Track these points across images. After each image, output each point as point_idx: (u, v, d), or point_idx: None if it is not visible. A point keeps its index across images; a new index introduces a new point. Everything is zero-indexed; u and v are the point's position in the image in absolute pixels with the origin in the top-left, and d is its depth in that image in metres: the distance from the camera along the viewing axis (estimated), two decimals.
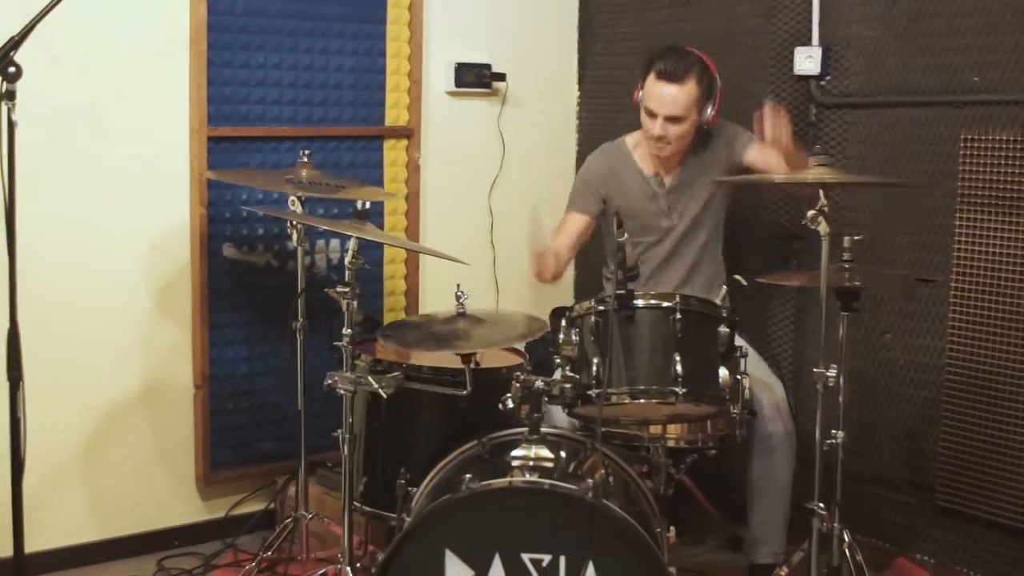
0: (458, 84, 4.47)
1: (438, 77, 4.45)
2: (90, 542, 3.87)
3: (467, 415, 3.31)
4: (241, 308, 4.07)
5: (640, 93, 3.72)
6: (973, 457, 3.65)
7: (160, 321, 3.93)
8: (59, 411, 3.73)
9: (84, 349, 3.79)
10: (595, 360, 2.92)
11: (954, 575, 3.73)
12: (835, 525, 3.07)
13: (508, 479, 2.77)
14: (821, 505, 2.97)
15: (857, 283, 3.09)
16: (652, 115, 3.66)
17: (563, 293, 4.88)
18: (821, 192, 2.85)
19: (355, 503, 3.32)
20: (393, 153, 4.35)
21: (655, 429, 3.25)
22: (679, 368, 2.88)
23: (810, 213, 2.86)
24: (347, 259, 3.14)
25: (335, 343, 3.21)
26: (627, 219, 3.82)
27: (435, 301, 4.41)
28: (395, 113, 4.34)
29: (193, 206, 3.92)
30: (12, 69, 2.58)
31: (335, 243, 4.19)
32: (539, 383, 2.89)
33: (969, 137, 3.59)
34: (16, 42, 2.60)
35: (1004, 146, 3.51)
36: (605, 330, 2.93)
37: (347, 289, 3.14)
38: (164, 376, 3.96)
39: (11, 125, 2.59)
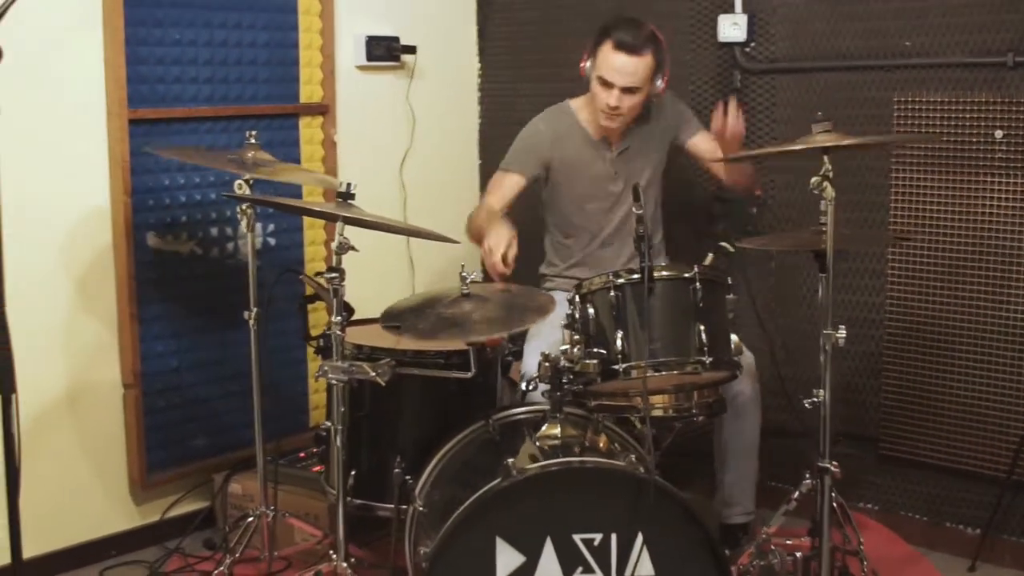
0: (369, 58, 4.33)
1: (348, 51, 4.30)
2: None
3: (454, 397, 3.26)
4: (168, 300, 3.84)
5: (589, 63, 3.67)
6: (913, 405, 3.82)
7: (83, 318, 3.66)
8: None
9: None
10: (618, 335, 2.88)
11: (899, 520, 3.91)
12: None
13: (564, 460, 2.75)
14: (835, 463, 3.04)
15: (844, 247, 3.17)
16: (607, 85, 3.60)
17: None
18: (825, 158, 2.89)
19: (348, 496, 3.18)
20: (309, 131, 4.18)
21: (653, 399, 3.20)
22: (703, 337, 2.88)
23: (814, 179, 2.90)
24: (335, 245, 3.02)
25: (313, 334, 3.08)
26: (575, 183, 3.82)
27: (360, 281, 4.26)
28: (309, 89, 4.17)
29: (115, 194, 3.66)
30: None
31: (258, 227, 4.00)
32: (563, 362, 2.86)
33: (902, 99, 3.73)
34: None
35: (937, 107, 3.67)
36: (624, 304, 2.90)
37: (336, 275, 3.02)
38: (90, 376, 3.70)
39: None
